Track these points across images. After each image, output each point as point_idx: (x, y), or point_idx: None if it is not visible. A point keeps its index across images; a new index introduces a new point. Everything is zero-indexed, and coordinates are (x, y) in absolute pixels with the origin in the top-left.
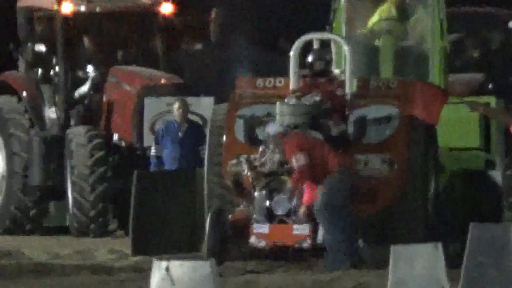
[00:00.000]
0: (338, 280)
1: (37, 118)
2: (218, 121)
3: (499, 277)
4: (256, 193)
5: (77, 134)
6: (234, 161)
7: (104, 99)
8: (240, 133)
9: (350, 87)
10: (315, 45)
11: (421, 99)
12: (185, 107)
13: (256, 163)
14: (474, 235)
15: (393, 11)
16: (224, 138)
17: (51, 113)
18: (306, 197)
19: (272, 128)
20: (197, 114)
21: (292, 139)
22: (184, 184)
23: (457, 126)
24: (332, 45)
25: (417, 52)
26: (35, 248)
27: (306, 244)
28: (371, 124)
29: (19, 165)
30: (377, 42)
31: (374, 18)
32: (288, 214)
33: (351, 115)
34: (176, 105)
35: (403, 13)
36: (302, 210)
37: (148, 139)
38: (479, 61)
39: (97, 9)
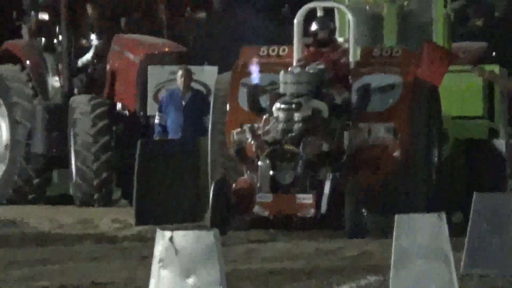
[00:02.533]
0: (342, 249)
1: (41, 86)
2: (222, 90)
3: (502, 245)
4: (259, 162)
5: (81, 102)
6: (238, 130)
7: (108, 67)
8: (243, 102)
9: (353, 56)
10: (319, 14)
11: (428, 58)
12: (188, 76)
13: (260, 132)
14: (478, 204)
15: None
16: (228, 106)
17: (54, 81)
18: None
19: None
20: (200, 83)
21: None
22: (187, 153)
23: (461, 94)
24: (336, 14)
25: (420, 20)
26: (38, 217)
27: (310, 213)
28: (374, 93)
29: (22, 134)
30: (380, 11)
31: None
32: (292, 183)
33: (355, 84)
34: (179, 74)
35: None
36: None
37: (152, 108)
38: (482, 29)
39: None
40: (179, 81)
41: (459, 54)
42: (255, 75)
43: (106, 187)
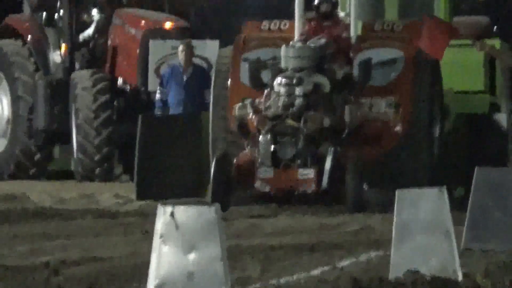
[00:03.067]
0: (343, 223)
1: (42, 61)
2: (223, 65)
3: (503, 219)
4: (261, 137)
5: (82, 77)
6: (239, 105)
7: (109, 42)
8: (245, 77)
9: (354, 30)
10: None
11: (429, 32)
12: (190, 51)
13: (261, 107)
14: (479, 178)
15: None
16: (229, 81)
17: (55, 56)
18: None
19: None
20: (202, 58)
21: None
22: (189, 128)
23: (462, 69)
24: None
25: None
26: (39, 192)
27: (311, 188)
28: (376, 67)
29: (24, 109)
30: None
31: None
32: (293, 158)
33: (356, 58)
34: (180, 48)
35: None
36: None
37: (153, 83)
38: (483, 3)
39: None
40: (181, 56)
41: (460, 28)
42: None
43: (107, 162)
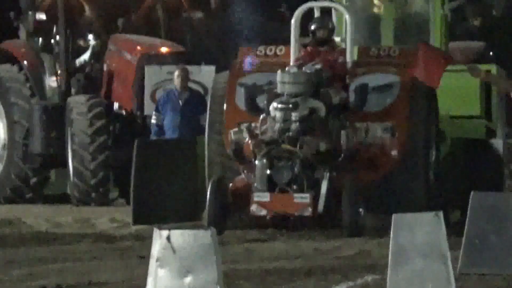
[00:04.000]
0: (339, 248)
1: (38, 87)
2: (219, 90)
3: (500, 243)
4: (257, 162)
5: (78, 102)
6: (235, 130)
7: (105, 67)
8: (241, 102)
9: (351, 55)
10: (316, 13)
11: (423, 60)
12: (185, 76)
13: (257, 131)
14: (475, 203)
15: None
16: (225, 106)
17: (51, 81)
18: None
19: None
20: (198, 83)
21: None
22: (185, 153)
23: (458, 94)
24: (333, 13)
25: (417, 20)
26: (36, 216)
27: (307, 212)
28: (372, 92)
29: (20, 133)
30: (378, 10)
31: None
32: (289, 182)
33: (352, 83)
34: (176, 74)
35: None
36: None
37: (149, 108)
38: (479, 29)
39: None
40: (176, 81)
41: (456, 53)
42: (250, 66)
43: (103, 187)
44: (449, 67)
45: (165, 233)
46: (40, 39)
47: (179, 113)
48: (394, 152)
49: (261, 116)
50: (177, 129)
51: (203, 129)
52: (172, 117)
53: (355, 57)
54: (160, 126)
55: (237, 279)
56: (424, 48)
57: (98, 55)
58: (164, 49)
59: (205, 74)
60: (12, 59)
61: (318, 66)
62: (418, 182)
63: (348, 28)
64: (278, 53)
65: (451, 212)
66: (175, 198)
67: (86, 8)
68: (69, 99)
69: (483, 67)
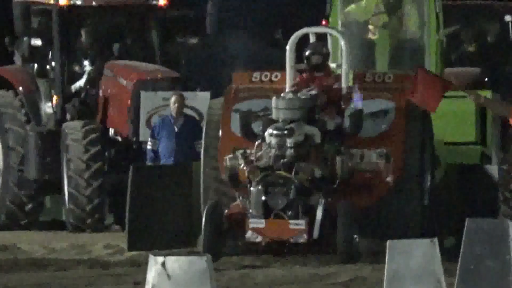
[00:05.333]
0: (334, 274)
1: (33, 112)
2: (215, 115)
3: (495, 269)
4: (252, 188)
5: (73, 128)
6: (230, 155)
7: (100, 93)
8: (236, 128)
9: (346, 81)
10: (312, 39)
11: (422, 85)
12: (181, 102)
13: (252, 158)
14: (470, 229)
15: (381, 6)
16: (220, 132)
17: (47, 107)
18: None
19: None
20: (193, 109)
21: None
22: (180, 178)
23: (453, 120)
24: (329, 39)
25: (413, 45)
26: (31, 242)
27: (303, 238)
28: (367, 118)
29: (15, 159)
30: (372, 36)
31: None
32: (284, 208)
33: (347, 109)
34: (172, 99)
35: (398, 6)
36: None
37: (144, 134)
38: (475, 54)
39: (93, 3)
40: (172, 107)
41: (452, 79)
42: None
43: (98, 213)
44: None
45: (160, 259)
46: (36, 64)
47: (174, 139)
48: (389, 178)
49: (256, 142)
50: (173, 155)
51: (198, 154)
52: (167, 143)
53: (350, 83)
54: (155, 152)
55: None
56: (422, 72)
57: (93, 80)
58: (159, 75)
59: (200, 100)
60: (7, 85)
61: (313, 92)
62: (413, 207)
63: (344, 53)
64: (274, 79)
65: (445, 237)
66: (170, 224)
67: (82, 33)
68: (65, 125)
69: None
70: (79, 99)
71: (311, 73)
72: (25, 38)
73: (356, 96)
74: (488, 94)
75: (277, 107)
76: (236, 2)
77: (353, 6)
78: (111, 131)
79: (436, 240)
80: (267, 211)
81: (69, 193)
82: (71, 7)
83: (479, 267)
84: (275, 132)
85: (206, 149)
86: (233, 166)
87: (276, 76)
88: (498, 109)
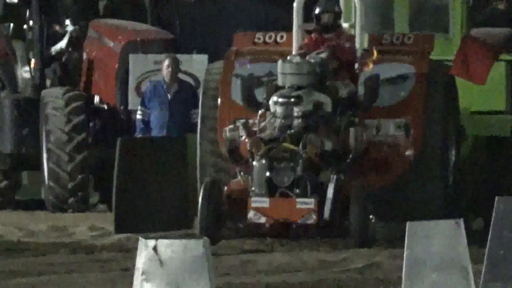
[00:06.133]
0: (346, 260)
1: (9, 78)
2: (213, 82)
3: None
4: (255, 163)
5: (54, 96)
6: (231, 126)
7: (84, 56)
8: (237, 95)
9: (360, 43)
10: None
11: (470, 58)
12: (175, 66)
13: (255, 128)
14: (500, 209)
15: None
16: (219, 100)
17: (24, 72)
18: None
19: None
20: (188, 74)
21: None
22: (174, 152)
23: (481, 87)
24: None
25: (435, 3)
26: (6, 224)
27: (311, 219)
28: (384, 85)
29: None
30: None
31: None
32: (291, 186)
33: (362, 75)
34: (165, 63)
35: None
36: None
37: (134, 102)
38: (505, 13)
39: None
40: (165, 71)
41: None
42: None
43: (82, 191)
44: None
45: (151, 243)
46: (11, 24)
47: (168, 108)
48: (408, 152)
49: (260, 111)
50: (166, 126)
51: (194, 126)
52: (160, 112)
53: (365, 45)
54: (146, 123)
55: None
56: (470, 42)
57: (76, 42)
58: (151, 36)
59: (196, 64)
60: None
61: (323, 55)
62: (435, 186)
63: (358, 12)
64: (279, 40)
65: (473, 219)
66: (163, 203)
67: None
68: (44, 92)
69: (510, 56)
70: (60, 62)
71: (321, 34)
72: None
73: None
74: None
75: (283, 71)
76: None
77: None
78: (96, 98)
79: (461, 222)
80: (271, 189)
81: (49, 168)
82: None
83: (510, 253)
84: (280, 100)
85: (203, 120)
86: (233, 138)
87: (281, 37)
88: None
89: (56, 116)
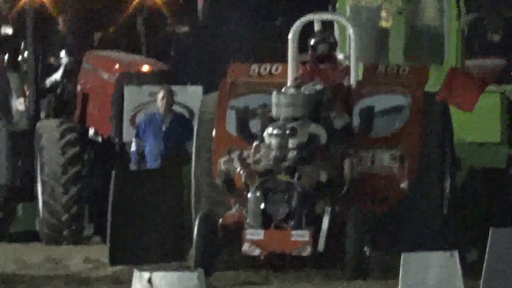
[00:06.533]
0: None
1: (3, 109)
2: (208, 113)
3: None
4: (249, 194)
5: (48, 127)
6: (225, 158)
7: (79, 88)
8: (232, 126)
9: (355, 74)
10: (317, 27)
11: (458, 86)
12: (171, 97)
13: (250, 160)
14: (495, 240)
15: None
16: (214, 132)
17: (19, 104)
18: None
19: None
20: (183, 105)
21: None
22: (168, 184)
23: (476, 118)
24: (336, 28)
25: (430, 34)
26: (1, 256)
27: (306, 251)
28: (378, 116)
29: None
30: (385, 24)
31: None
32: (286, 218)
33: (357, 106)
34: (160, 95)
35: None
36: None
37: (128, 133)
38: (499, 44)
39: None
40: (160, 103)
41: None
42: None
43: (76, 223)
44: None
45: (146, 275)
46: (6, 55)
47: (162, 139)
48: (403, 183)
49: (254, 143)
50: (160, 157)
51: (188, 157)
52: (155, 143)
53: (360, 76)
54: (141, 154)
55: None
56: (456, 73)
57: (71, 74)
58: (145, 67)
59: (191, 95)
60: None
61: (318, 87)
62: (430, 216)
63: (352, 43)
64: (274, 72)
65: (467, 250)
66: (158, 235)
67: (59, 20)
68: (39, 124)
69: (504, 87)
70: (55, 94)
71: (316, 65)
72: None
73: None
74: None
75: (278, 103)
76: None
77: None
78: (91, 130)
79: (456, 253)
80: (266, 221)
81: (44, 200)
82: None
83: (505, 283)
84: (275, 131)
85: (198, 151)
86: (228, 170)
87: (276, 69)
88: None
89: (51, 148)
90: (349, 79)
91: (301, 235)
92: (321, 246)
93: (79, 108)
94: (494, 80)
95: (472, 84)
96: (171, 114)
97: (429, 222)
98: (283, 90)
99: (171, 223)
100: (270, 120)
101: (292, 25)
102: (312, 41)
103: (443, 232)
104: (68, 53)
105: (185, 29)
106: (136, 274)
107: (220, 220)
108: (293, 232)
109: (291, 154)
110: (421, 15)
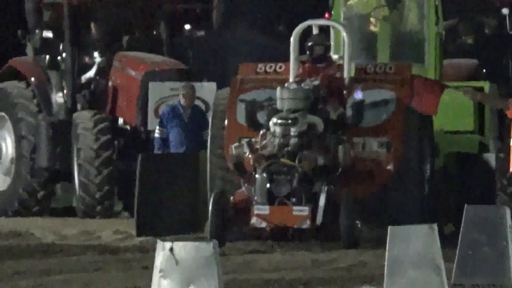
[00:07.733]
0: (336, 259)
1: (45, 103)
2: (221, 106)
3: (492, 255)
4: (257, 176)
5: (83, 118)
6: (236, 144)
7: (110, 84)
8: (241, 117)
9: (348, 72)
10: (315, 31)
11: (419, 92)
12: (193, 93)
13: (257, 146)
14: (469, 216)
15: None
16: (226, 122)
17: (58, 98)
18: None
19: None
20: (200, 99)
21: None
22: (187, 166)
23: (452, 110)
24: (331, 31)
25: (413, 38)
26: (42, 229)
27: (306, 224)
28: (368, 108)
29: (27, 148)
30: (374, 29)
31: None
32: (288, 196)
33: (349, 99)
34: (184, 91)
35: (399, 0)
36: None
37: (152, 123)
38: (472, 46)
39: None
40: (184, 97)
41: (449, 71)
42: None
43: (108, 200)
44: (444, 83)
45: (168, 244)
46: (47, 56)
47: (185, 128)
48: (389, 166)
49: (261, 131)
50: (184, 144)
51: (205, 143)
52: (178, 132)
53: (352, 74)
54: (164, 140)
55: None
56: (418, 80)
57: (103, 72)
58: (167, 67)
59: (206, 91)
60: (19, 76)
61: (316, 83)
62: (413, 195)
63: (346, 45)
64: (278, 70)
65: (445, 224)
66: (178, 210)
67: (92, 26)
68: (75, 115)
69: (476, 84)
70: (89, 89)
71: (314, 64)
72: (37, 31)
73: (357, 92)
74: (486, 85)
75: (282, 97)
76: None
77: None
78: (120, 120)
79: (435, 226)
80: (271, 198)
81: (80, 181)
82: (81, 1)
83: (477, 253)
84: (279, 121)
85: (213, 139)
86: (238, 155)
87: (280, 67)
88: (494, 103)
89: (86, 135)
90: (342, 75)
91: (302, 211)
92: (319, 220)
93: (110, 101)
94: (467, 77)
95: (432, 90)
96: (190, 107)
97: (411, 200)
98: (286, 85)
99: (189, 200)
100: (275, 112)
101: (293, 30)
102: (309, 43)
103: (424, 209)
104: (101, 54)
105: (201, 34)
106: (159, 244)
107: (232, 197)
108: (295, 208)
109: (293, 141)
110: (404, 22)
